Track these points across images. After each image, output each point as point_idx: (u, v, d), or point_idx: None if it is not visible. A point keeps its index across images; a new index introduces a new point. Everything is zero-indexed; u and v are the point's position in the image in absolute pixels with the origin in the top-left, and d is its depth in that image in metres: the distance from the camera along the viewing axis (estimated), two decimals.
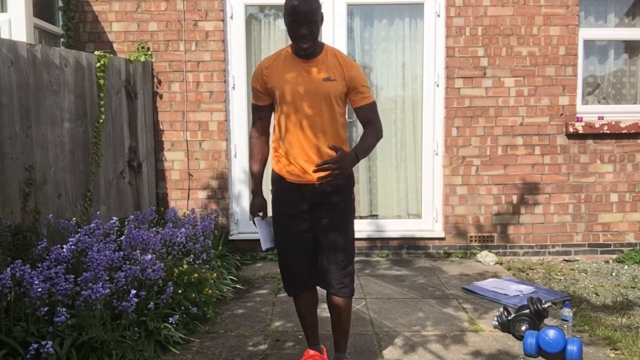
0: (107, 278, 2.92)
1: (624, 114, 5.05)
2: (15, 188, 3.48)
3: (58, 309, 2.62)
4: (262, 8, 5.10)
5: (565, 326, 3.09)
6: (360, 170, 5.21)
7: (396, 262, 4.96)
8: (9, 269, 2.61)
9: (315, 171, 2.39)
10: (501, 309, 3.39)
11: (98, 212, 4.04)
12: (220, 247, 4.56)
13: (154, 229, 3.95)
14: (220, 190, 5.02)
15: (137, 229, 3.70)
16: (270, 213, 2.79)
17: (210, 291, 3.61)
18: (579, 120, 4.96)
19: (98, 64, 4.25)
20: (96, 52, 4.30)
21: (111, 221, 3.69)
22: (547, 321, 3.39)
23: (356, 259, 2.88)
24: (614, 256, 5.04)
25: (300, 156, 2.57)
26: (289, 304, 3.78)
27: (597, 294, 4.03)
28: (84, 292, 2.71)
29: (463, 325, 3.46)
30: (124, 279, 2.99)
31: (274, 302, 3.93)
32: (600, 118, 4.98)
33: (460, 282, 4.34)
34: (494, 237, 5.06)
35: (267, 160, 2.81)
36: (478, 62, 4.92)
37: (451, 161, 5.00)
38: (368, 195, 5.29)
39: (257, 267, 4.81)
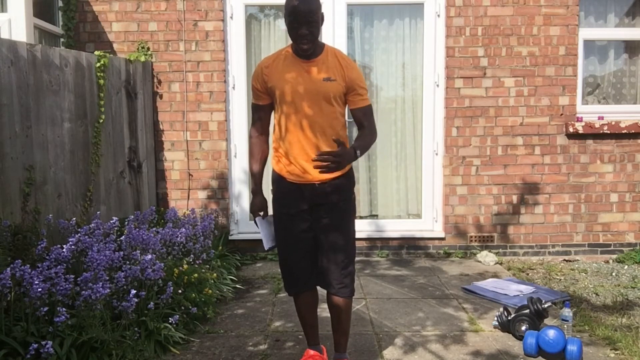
0: (107, 278, 2.92)
1: (624, 114, 5.05)
2: (15, 188, 3.48)
3: (58, 309, 2.62)
4: (262, 8, 5.10)
5: (565, 326, 3.09)
6: (360, 170, 5.21)
7: (396, 262, 4.96)
8: (9, 269, 2.61)
9: (314, 160, 2.37)
10: (501, 309, 3.39)
11: (98, 212, 4.04)
12: (220, 247, 4.56)
13: (154, 229, 3.95)
14: (220, 190, 5.02)
15: (137, 229, 3.70)
16: (271, 212, 2.79)
17: (210, 291, 3.61)
18: (579, 120, 4.96)
19: (98, 64, 4.25)
20: (96, 52, 4.30)
21: (111, 221, 3.69)
22: (547, 321, 3.39)
23: (356, 259, 2.88)
24: (614, 256, 5.04)
25: (300, 156, 2.57)
26: (289, 304, 3.78)
27: (597, 294, 4.03)
28: (84, 292, 2.71)
29: (463, 325, 3.46)
30: (124, 279, 2.99)
31: (274, 302, 3.93)
32: (600, 118, 4.98)
33: (460, 282, 4.34)
34: (494, 237, 5.06)
35: (267, 159, 2.81)
36: (478, 62, 4.92)
37: (451, 161, 5.00)
38: (368, 195, 5.29)
39: (257, 267, 4.81)
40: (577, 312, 3.60)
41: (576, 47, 4.93)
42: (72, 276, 2.83)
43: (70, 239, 3.22)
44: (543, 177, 5.00)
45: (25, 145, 3.57)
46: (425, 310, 3.72)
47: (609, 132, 4.91)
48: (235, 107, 5.02)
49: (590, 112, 5.03)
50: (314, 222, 2.65)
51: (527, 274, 4.59)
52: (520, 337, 3.18)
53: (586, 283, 4.33)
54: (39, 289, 2.60)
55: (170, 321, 3.12)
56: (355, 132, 2.65)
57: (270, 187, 2.77)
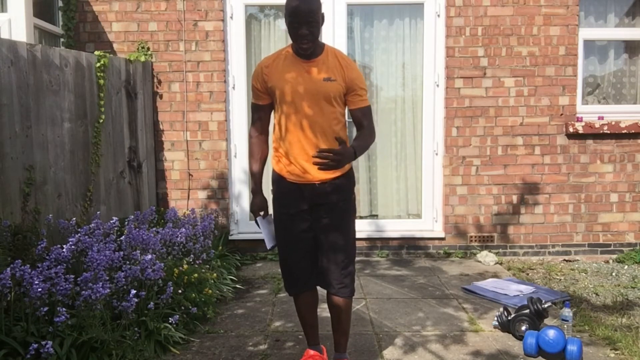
0: (107, 278, 2.92)
1: (624, 114, 5.05)
2: (15, 188, 3.48)
3: (58, 309, 2.62)
4: (262, 8, 5.10)
5: (565, 326, 3.09)
6: (360, 170, 5.21)
7: (396, 262, 4.96)
8: (9, 269, 2.61)
9: (315, 156, 2.36)
10: (501, 309, 3.39)
11: (98, 212, 4.04)
12: (220, 247, 4.56)
13: (154, 229, 3.95)
14: (220, 190, 5.02)
15: (137, 229, 3.70)
16: (271, 212, 2.79)
17: (210, 291, 3.61)
18: (579, 120, 4.97)
19: (98, 64, 4.25)
20: (96, 52, 4.30)
21: (111, 221, 3.69)
22: (547, 321, 3.39)
23: (356, 259, 2.88)
24: (614, 256, 5.04)
25: (300, 156, 2.57)
26: (289, 304, 3.78)
27: (597, 294, 4.03)
28: (84, 292, 2.71)
29: (463, 325, 3.46)
30: (124, 279, 2.99)
31: (274, 302, 3.93)
32: (600, 118, 4.98)
33: (460, 282, 4.34)
34: (494, 237, 5.06)
35: (266, 159, 2.81)
36: (478, 62, 4.92)
37: (451, 161, 5.00)
38: (368, 195, 5.29)
39: (257, 267, 4.81)
40: (577, 312, 3.60)
41: (576, 47, 4.93)
42: (72, 276, 2.83)
43: (70, 239, 3.22)
44: (543, 177, 5.01)
45: (25, 145, 3.57)
46: (425, 310, 3.72)
47: (609, 132, 4.91)
48: (235, 107, 5.02)
49: (590, 112, 5.03)
50: (314, 222, 2.65)
51: (527, 274, 4.59)
52: (520, 337, 3.18)
53: (586, 283, 4.33)
54: (39, 289, 2.60)
55: (170, 321, 3.12)
56: (355, 133, 2.65)
57: (270, 187, 2.77)
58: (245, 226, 5.11)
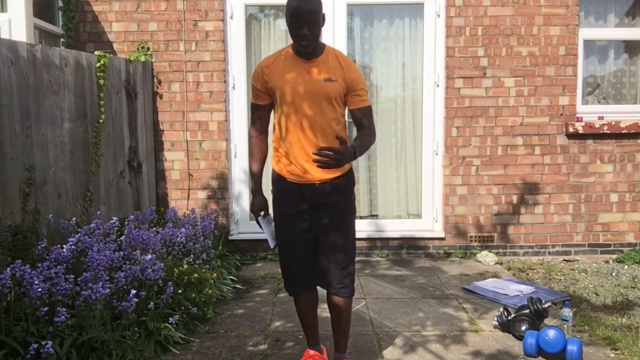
0: (107, 278, 2.92)
1: (624, 114, 5.05)
2: (15, 188, 3.48)
3: (58, 309, 2.62)
4: (262, 8, 5.10)
5: (565, 326, 3.09)
6: (360, 170, 5.21)
7: (396, 262, 4.96)
8: (9, 269, 2.61)
9: (315, 154, 2.35)
10: (501, 309, 3.39)
11: (98, 212, 4.04)
12: (220, 247, 4.56)
13: (154, 229, 3.95)
14: (220, 190, 5.02)
15: (137, 229, 3.70)
16: (271, 211, 2.79)
17: (210, 291, 3.61)
18: (579, 120, 4.97)
19: (98, 64, 4.25)
20: (96, 52, 4.30)
21: (111, 221, 3.69)
22: (547, 321, 3.39)
23: (356, 259, 2.88)
24: (614, 256, 5.04)
25: (300, 156, 2.57)
26: (289, 304, 3.78)
27: (597, 294, 4.03)
28: (84, 292, 2.71)
29: (463, 325, 3.46)
30: (124, 279, 2.99)
31: (274, 302, 3.93)
32: (600, 118, 4.98)
33: (460, 282, 4.34)
34: (494, 237, 5.06)
35: (266, 159, 2.81)
36: (478, 62, 4.92)
37: (451, 161, 5.00)
38: (368, 195, 5.29)
39: (257, 267, 4.81)
40: (577, 312, 3.60)
41: (576, 47, 4.93)
42: (72, 276, 2.83)
43: (70, 239, 3.22)
44: (543, 177, 5.01)
45: (25, 145, 3.57)
46: (425, 310, 3.72)
47: (609, 132, 4.91)
48: (235, 107, 5.02)
49: (590, 112, 5.03)
50: (314, 222, 2.65)
51: (527, 274, 4.59)
52: (520, 337, 3.18)
53: (586, 283, 4.33)
54: (39, 289, 2.60)
55: (170, 321, 3.12)
56: (355, 133, 2.64)
57: (270, 187, 2.77)
58: (245, 226, 5.11)
